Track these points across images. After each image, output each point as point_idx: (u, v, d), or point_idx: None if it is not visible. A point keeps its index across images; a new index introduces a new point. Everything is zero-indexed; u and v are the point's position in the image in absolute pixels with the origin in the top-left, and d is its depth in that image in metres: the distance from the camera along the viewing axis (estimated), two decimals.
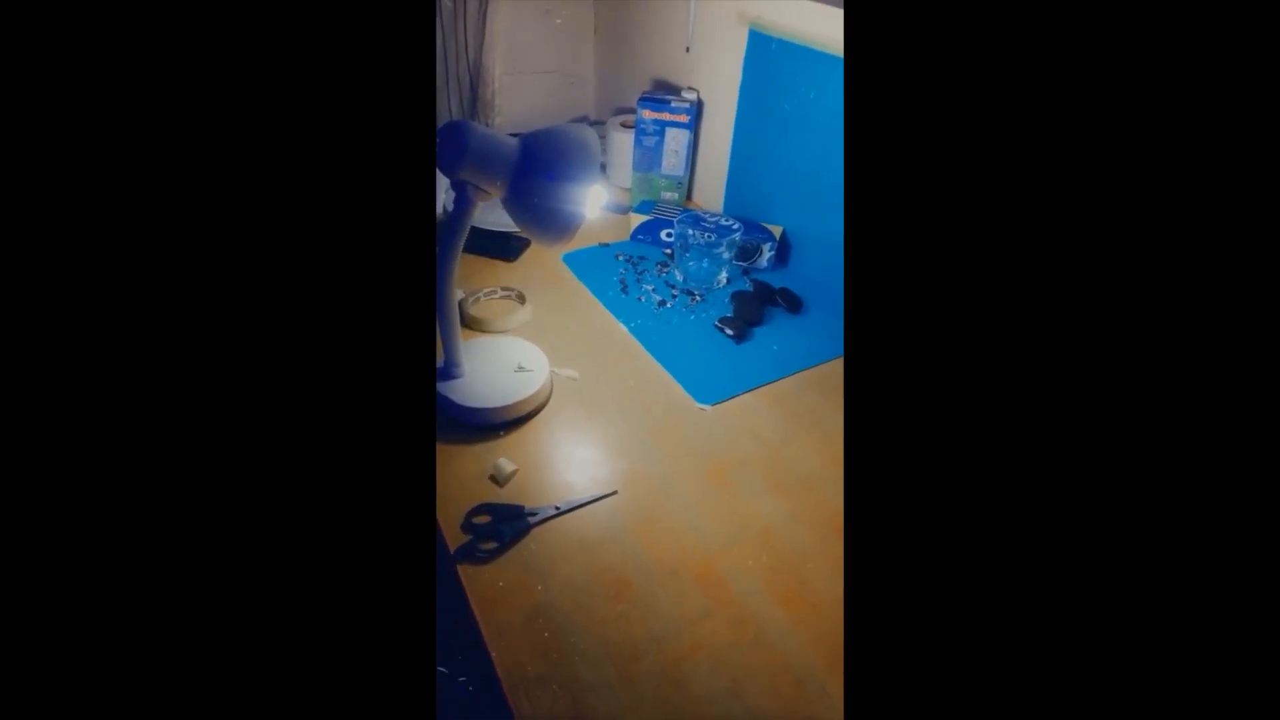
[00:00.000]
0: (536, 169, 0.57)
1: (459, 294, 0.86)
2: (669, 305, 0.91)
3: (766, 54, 0.95)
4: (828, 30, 0.84)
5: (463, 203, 0.60)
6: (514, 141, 0.60)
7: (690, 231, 0.92)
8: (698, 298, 0.93)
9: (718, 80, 1.06)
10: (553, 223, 0.59)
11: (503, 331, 0.82)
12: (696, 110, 1.09)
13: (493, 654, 0.49)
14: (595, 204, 0.64)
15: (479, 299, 0.88)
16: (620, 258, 1.01)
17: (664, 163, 1.11)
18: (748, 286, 0.95)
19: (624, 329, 0.86)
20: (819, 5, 0.85)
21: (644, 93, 1.10)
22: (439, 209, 1.06)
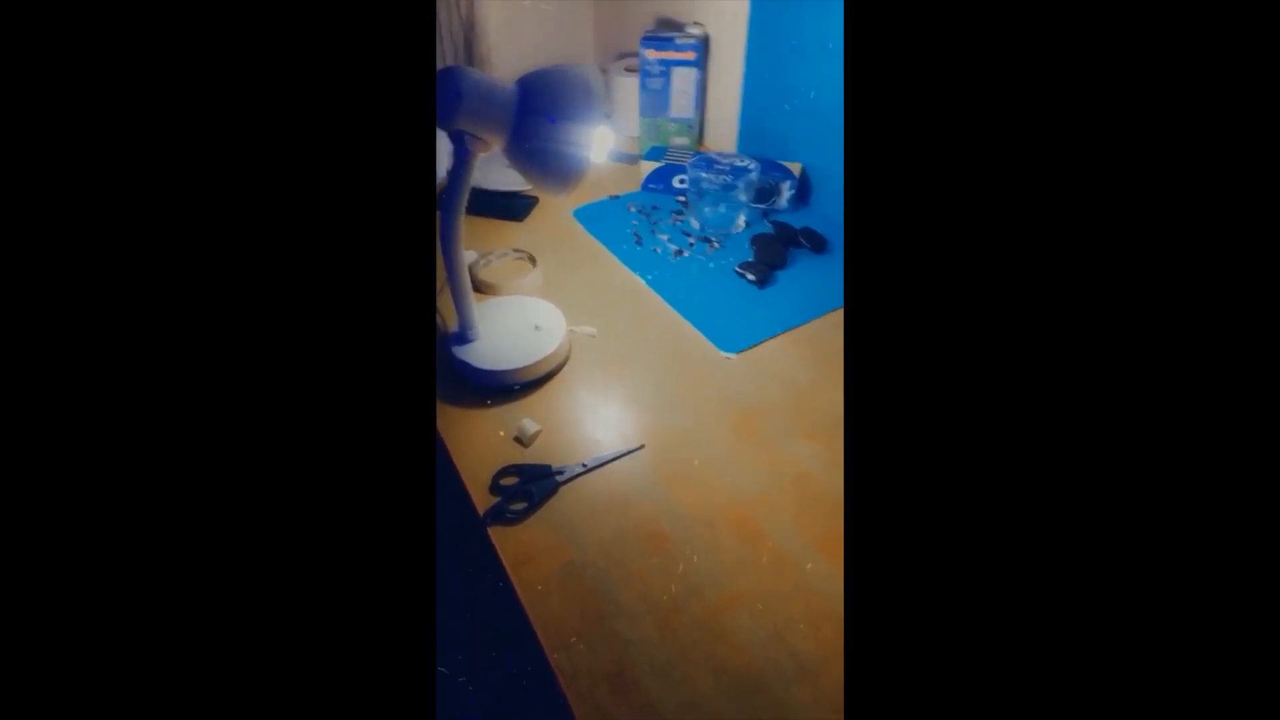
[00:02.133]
0: (537, 109, 0.54)
1: (470, 256, 0.84)
2: (686, 254, 0.87)
3: None
4: None
5: (462, 154, 0.57)
6: (511, 85, 0.56)
7: (704, 175, 0.88)
8: (716, 244, 0.89)
9: (725, 11, 1.00)
10: (557, 167, 0.56)
11: (516, 293, 0.80)
12: (703, 46, 1.03)
13: (530, 614, 0.48)
14: (602, 147, 0.60)
15: (489, 262, 0.86)
16: (632, 209, 0.97)
17: (672, 105, 1.06)
18: (768, 229, 0.91)
19: (641, 281, 0.83)
20: None
21: (646, 31, 1.04)
22: (440, 175, 1.03)
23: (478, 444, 0.61)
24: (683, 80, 1.04)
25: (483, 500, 0.56)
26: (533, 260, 0.86)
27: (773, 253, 0.85)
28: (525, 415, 0.63)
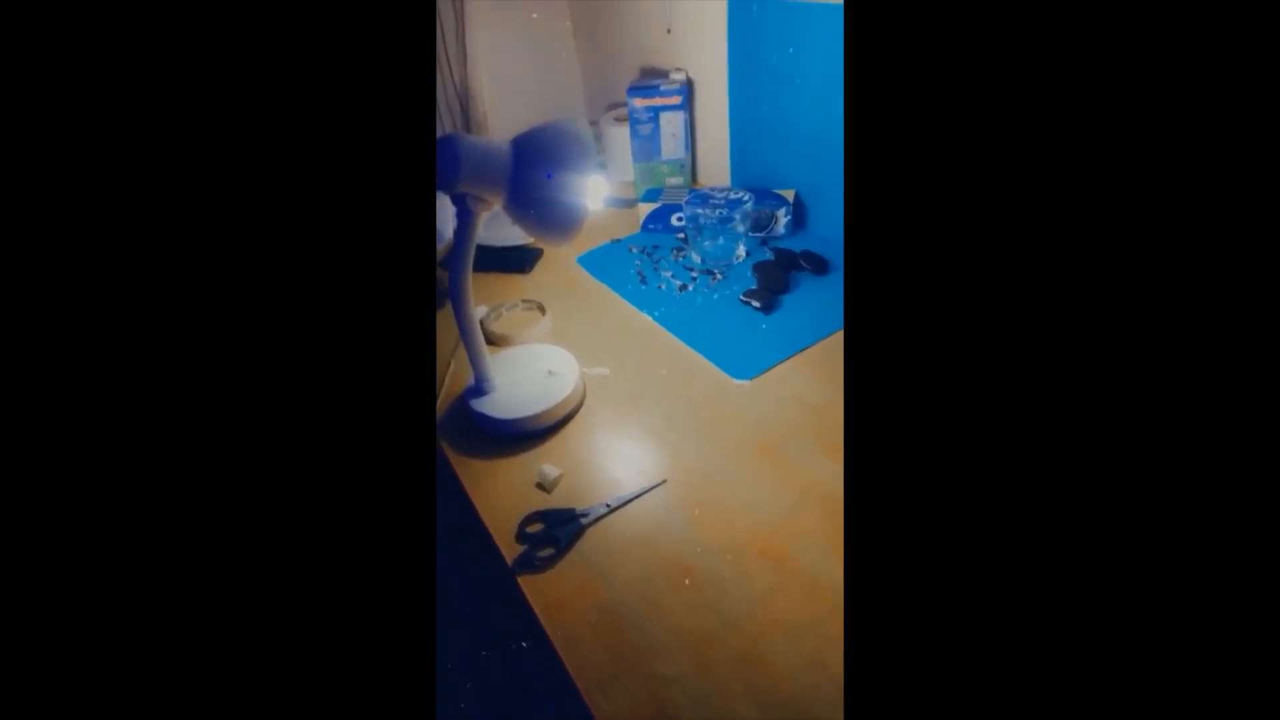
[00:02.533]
0: (532, 165, 0.56)
1: (480, 311, 0.86)
2: (690, 288, 0.89)
3: (749, 17, 0.93)
4: None
5: (465, 216, 0.60)
6: (506, 145, 0.59)
7: (700, 211, 0.90)
8: (719, 275, 0.91)
9: (705, 54, 1.04)
10: (557, 217, 0.58)
11: (527, 342, 0.81)
12: (688, 89, 1.07)
13: (564, 658, 0.48)
14: (596, 195, 0.63)
15: (500, 314, 0.88)
16: (634, 250, 1.00)
17: (663, 148, 1.09)
18: (768, 255, 0.93)
19: (649, 319, 0.84)
20: None
21: (632, 82, 1.08)
22: (446, 237, 1.06)
23: (501, 494, 0.62)
24: (671, 124, 1.07)
25: (510, 549, 0.57)
26: (542, 309, 0.88)
27: (775, 278, 0.86)
28: (545, 461, 0.64)
